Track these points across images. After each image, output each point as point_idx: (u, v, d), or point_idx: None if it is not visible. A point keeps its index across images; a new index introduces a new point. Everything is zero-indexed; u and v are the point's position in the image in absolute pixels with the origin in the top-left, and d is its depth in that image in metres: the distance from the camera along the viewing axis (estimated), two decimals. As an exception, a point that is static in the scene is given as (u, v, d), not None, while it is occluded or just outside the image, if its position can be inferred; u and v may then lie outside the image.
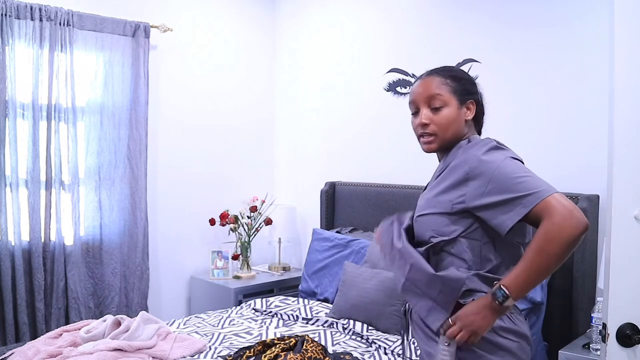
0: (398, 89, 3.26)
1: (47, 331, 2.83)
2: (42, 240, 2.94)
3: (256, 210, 3.67)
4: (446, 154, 1.45)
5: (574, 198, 2.34)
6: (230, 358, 2.17)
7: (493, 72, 2.78)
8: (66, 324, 2.91)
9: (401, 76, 3.24)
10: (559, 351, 2.17)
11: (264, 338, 2.48)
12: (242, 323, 2.73)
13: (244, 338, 2.50)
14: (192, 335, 2.46)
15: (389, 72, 3.31)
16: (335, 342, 2.44)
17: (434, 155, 1.53)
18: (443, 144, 1.43)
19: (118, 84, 3.21)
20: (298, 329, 2.64)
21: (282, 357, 2.07)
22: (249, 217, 3.67)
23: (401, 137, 3.18)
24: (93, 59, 3.15)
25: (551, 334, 2.42)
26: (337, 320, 2.65)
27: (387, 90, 3.32)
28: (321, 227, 3.52)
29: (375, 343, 2.39)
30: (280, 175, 4.11)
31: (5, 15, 2.77)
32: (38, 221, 2.92)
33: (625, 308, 1.17)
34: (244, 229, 3.63)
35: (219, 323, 2.73)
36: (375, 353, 2.31)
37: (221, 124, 3.80)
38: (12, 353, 2.18)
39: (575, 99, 2.51)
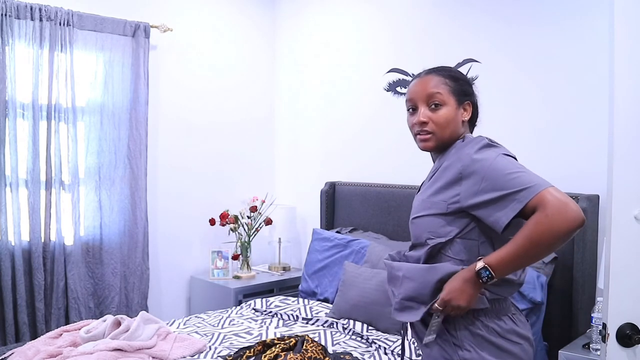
0: (398, 89, 3.26)
1: (47, 331, 2.83)
2: (42, 240, 2.94)
3: (256, 210, 3.67)
4: (441, 155, 1.45)
5: (574, 198, 2.33)
6: (230, 358, 2.17)
7: (493, 72, 2.78)
8: (66, 324, 2.92)
9: (401, 76, 3.24)
10: (559, 351, 2.17)
11: (264, 338, 2.48)
12: (242, 323, 2.73)
13: (244, 338, 2.50)
14: (192, 335, 2.46)
15: (389, 72, 3.31)
16: (335, 342, 2.44)
17: (433, 155, 1.53)
18: (439, 143, 1.43)
19: (118, 84, 3.21)
20: (298, 329, 2.64)
21: (282, 357, 2.07)
22: (249, 217, 3.67)
23: (401, 137, 3.16)
24: (93, 59, 3.15)
25: (551, 334, 2.42)
26: (337, 320, 2.65)
27: (387, 90, 3.32)
28: (321, 227, 3.52)
29: (375, 343, 2.39)
30: (280, 175, 4.11)
31: (5, 15, 2.77)
32: (38, 221, 2.92)
33: (625, 308, 1.17)
34: (244, 229, 3.63)
35: (219, 323, 2.73)
36: (375, 353, 2.31)
37: (221, 124, 3.80)
38: (12, 353, 2.18)
39: (575, 99, 2.51)
